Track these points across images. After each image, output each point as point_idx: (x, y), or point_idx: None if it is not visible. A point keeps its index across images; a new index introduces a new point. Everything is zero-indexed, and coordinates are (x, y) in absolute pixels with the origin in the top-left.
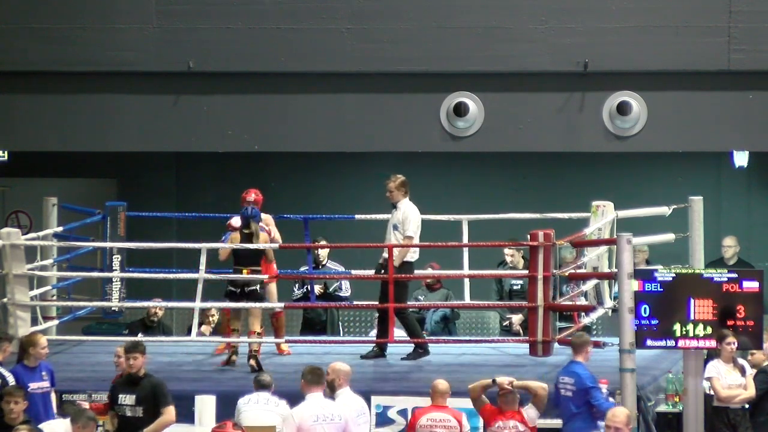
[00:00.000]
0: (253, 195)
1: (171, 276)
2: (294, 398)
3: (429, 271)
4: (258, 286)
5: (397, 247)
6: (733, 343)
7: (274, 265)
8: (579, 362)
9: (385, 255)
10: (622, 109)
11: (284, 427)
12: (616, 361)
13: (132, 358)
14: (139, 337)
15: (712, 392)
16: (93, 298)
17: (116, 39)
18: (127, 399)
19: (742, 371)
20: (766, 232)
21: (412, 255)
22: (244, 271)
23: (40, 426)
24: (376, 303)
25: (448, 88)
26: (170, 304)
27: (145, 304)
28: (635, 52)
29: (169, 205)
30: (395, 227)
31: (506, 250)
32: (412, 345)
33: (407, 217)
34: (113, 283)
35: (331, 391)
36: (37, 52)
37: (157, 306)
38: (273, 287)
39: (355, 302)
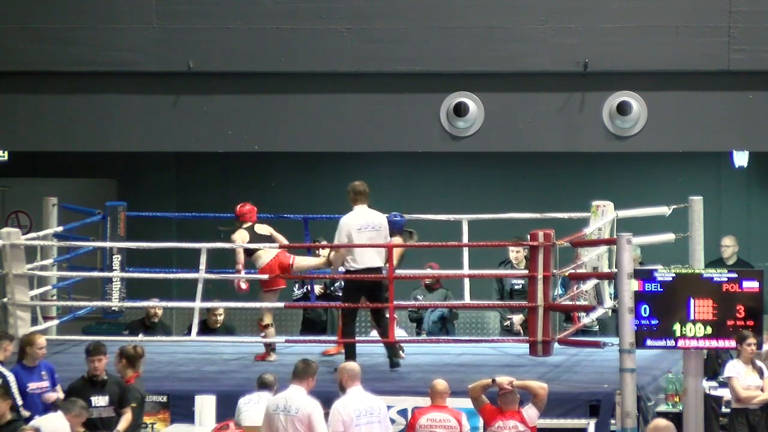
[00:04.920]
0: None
1: (171, 276)
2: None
3: (429, 271)
4: None
5: (395, 247)
6: (754, 344)
7: None
8: None
9: None
10: (622, 109)
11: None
12: (616, 361)
13: (97, 360)
14: (140, 337)
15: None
16: (93, 298)
17: (116, 39)
18: (100, 401)
19: (761, 373)
20: (766, 232)
21: None
22: None
23: (37, 421)
24: (376, 303)
25: (448, 88)
26: (170, 304)
27: (145, 304)
28: (635, 52)
29: (169, 205)
30: None
31: (511, 249)
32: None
33: None
34: (113, 283)
35: (341, 390)
36: (37, 52)
37: (157, 306)
38: None
39: None
